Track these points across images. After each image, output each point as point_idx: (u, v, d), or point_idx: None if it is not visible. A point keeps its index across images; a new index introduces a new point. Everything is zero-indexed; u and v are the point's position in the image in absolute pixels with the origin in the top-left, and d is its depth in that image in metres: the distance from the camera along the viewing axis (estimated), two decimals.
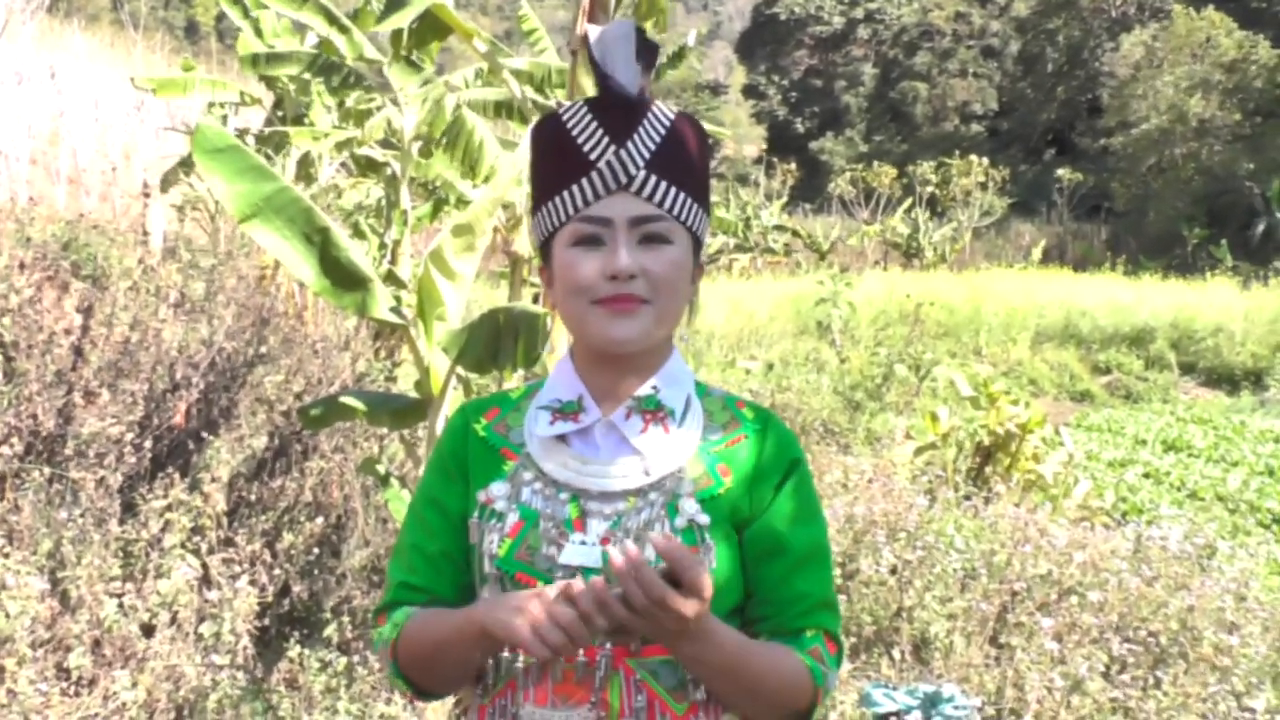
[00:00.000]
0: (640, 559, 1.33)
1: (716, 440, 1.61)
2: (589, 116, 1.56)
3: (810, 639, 1.60)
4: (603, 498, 1.55)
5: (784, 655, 1.56)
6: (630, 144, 1.54)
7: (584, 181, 1.54)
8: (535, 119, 1.77)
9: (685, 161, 1.58)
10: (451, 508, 1.63)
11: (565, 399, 1.61)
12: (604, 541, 1.52)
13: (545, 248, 1.62)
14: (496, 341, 3.28)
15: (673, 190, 1.55)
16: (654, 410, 1.59)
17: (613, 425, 1.59)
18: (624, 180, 1.53)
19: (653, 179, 1.54)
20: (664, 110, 1.59)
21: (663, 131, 1.56)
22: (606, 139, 1.54)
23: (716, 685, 1.52)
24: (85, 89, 18.54)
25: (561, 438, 1.60)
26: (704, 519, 1.54)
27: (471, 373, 3.58)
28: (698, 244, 1.61)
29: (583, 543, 1.53)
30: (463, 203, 8.49)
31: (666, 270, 1.54)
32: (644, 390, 1.60)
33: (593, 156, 1.54)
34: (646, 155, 1.54)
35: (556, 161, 1.58)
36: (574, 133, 1.56)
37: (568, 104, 1.62)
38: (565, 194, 1.55)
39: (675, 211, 1.55)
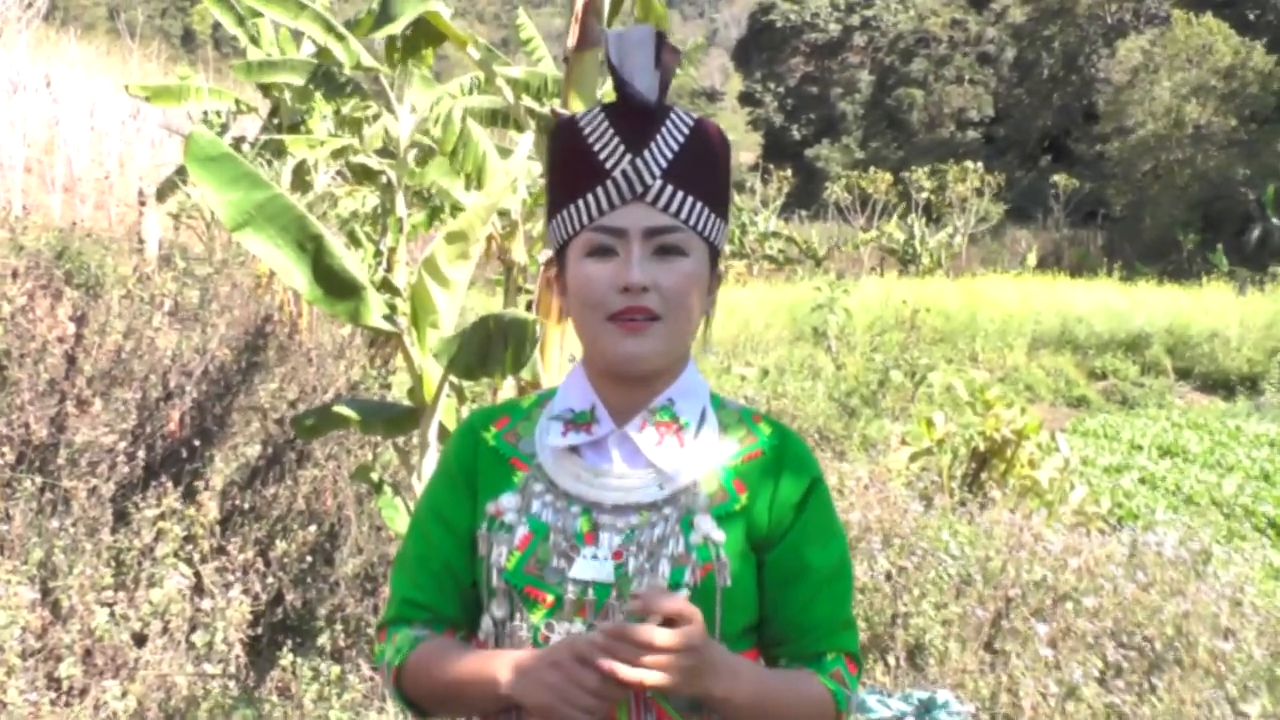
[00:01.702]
0: (621, 630, 1.35)
1: (732, 455, 1.58)
2: (605, 123, 1.53)
3: (831, 662, 1.58)
4: (615, 511, 1.52)
5: (807, 684, 1.55)
6: (647, 152, 1.50)
7: (599, 190, 1.50)
8: (553, 124, 1.73)
9: (704, 170, 1.54)
10: (456, 520, 1.60)
11: (578, 409, 1.58)
12: (617, 556, 1.50)
13: (560, 255, 1.59)
14: (487, 348, 3.27)
15: (689, 200, 1.51)
16: (669, 422, 1.56)
17: (626, 437, 1.56)
18: (639, 190, 1.50)
19: (669, 189, 1.50)
20: (684, 116, 1.55)
21: (681, 139, 1.53)
22: (623, 147, 1.51)
23: None
24: (81, 98, 18.54)
25: (574, 449, 1.57)
26: (719, 536, 1.51)
27: (462, 379, 3.57)
28: (715, 254, 1.58)
29: (594, 557, 1.50)
30: (458, 210, 8.48)
31: (679, 284, 1.51)
32: (659, 401, 1.57)
33: (608, 165, 1.50)
34: (663, 164, 1.50)
35: (572, 168, 1.54)
36: (590, 140, 1.52)
37: (585, 110, 1.58)
38: (580, 202, 1.52)
39: (692, 222, 1.52)
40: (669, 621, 1.35)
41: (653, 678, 1.34)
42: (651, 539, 1.50)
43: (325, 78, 7.78)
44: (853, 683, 1.60)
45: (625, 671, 1.33)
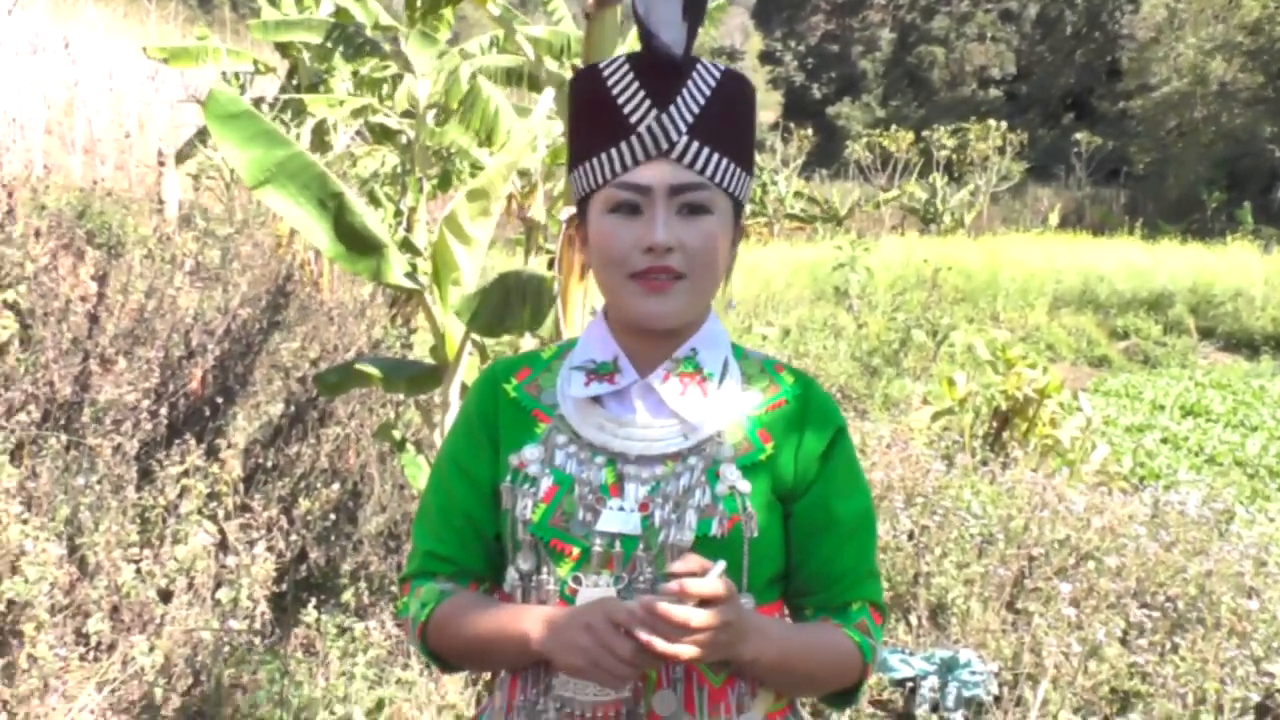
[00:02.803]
0: (651, 609, 1.33)
1: (756, 405, 1.57)
2: (630, 75, 1.49)
3: (857, 612, 1.59)
4: (640, 461, 1.51)
5: (832, 638, 1.55)
6: (673, 108, 1.47)
7: (623, 146, 1.47)
8: (575, 72, 1.69)
9: (730, 124, 1.51)
10: (477, 473, 1.59)
11: (600, 359, 1.56)
12: (643, 507, 1.49)
13: (581, 206, 1.57)
14: (506, 305, 3.27)
15: (715, 156, 1.48)
16: (692, 373, 1.54)
17: (650, 387, 1.54)
18: (664, 147, 1.47)
19: (694, 145, 1.47)
20: (710, 69, 1.51)
21: (707, 93, 1.49)
22: (648, 102, 1.47)
23: (773, 680, 1.51)
24: (99, 59, 18.51)
25: (596, 399, 1.55)
26: (745, 486, 1.50)
27: (482, 336, 3.57)
28: (739, 207, 1.56)
29: (620, 508, 1.49)
30: (477, 169, 8.46)
31: (704, 243, 1.48)
32: (683, 351, 1.55)
33: (633, 120, 1.47)
34: (689, 120, 1.47)
35: (595, 120, 1.51)
36: (614, 92, 1.49)
37: (609, 59, 1.54)
38: (604, 156, 1.49)
39: (717, 178, 1.49)
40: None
41: (688, 652, 1.34)
42: (677, 490, 1.49)
43: (343, 37, 7.75)
44: (878, 632, 1.61)
45: (661, 645, 1.33)
